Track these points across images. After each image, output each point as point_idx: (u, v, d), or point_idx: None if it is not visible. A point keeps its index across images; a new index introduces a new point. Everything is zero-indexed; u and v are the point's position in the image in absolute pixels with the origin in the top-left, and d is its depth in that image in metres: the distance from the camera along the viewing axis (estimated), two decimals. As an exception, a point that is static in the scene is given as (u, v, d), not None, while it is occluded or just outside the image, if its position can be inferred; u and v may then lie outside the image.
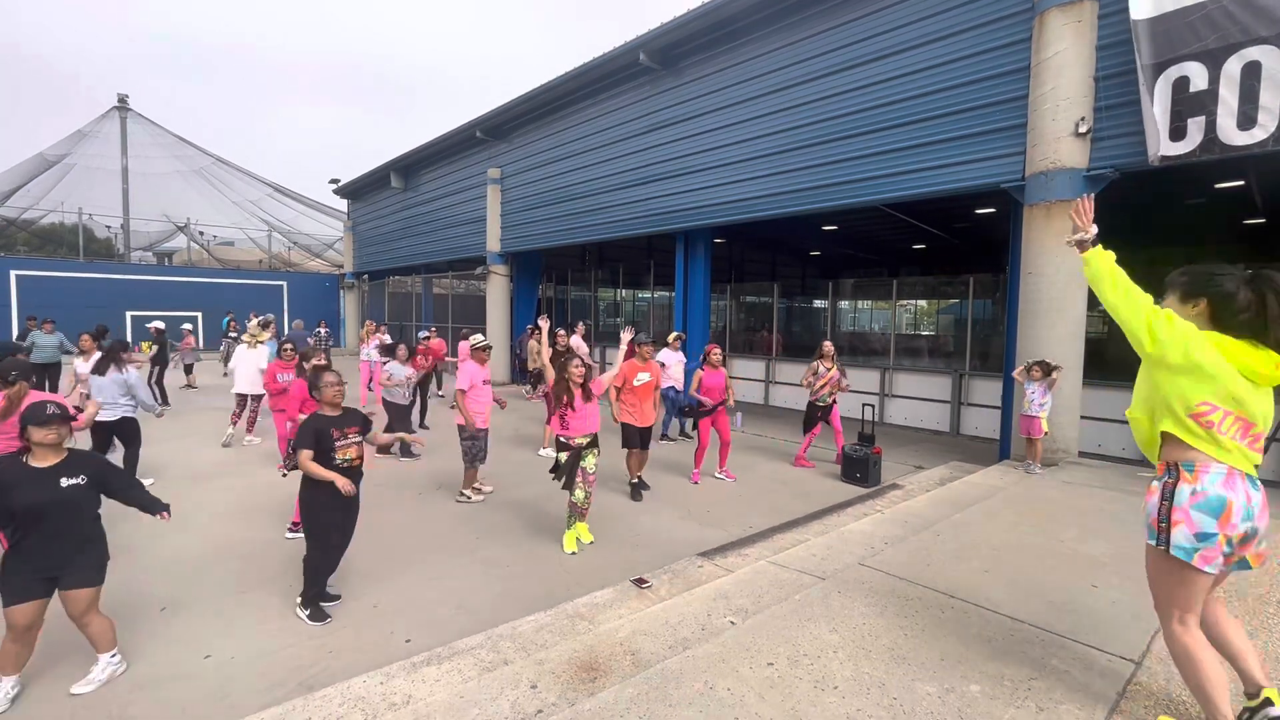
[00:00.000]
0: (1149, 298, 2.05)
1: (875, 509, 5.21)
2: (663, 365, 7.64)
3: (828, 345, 7.12)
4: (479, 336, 6.03)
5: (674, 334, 8.82)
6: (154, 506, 3.14)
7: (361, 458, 3.73)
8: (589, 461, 4.64)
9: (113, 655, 3.02)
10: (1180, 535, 1.92)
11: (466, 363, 5.81)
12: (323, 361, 6.34)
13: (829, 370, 7.03)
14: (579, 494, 4.56)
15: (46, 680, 2.97)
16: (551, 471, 4.69)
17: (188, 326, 11.12)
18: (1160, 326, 1.97)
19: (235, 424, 8.07)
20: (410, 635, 3.41)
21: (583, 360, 4.77)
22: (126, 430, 5.97)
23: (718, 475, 6.62)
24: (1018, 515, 4.61)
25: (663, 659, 2.62)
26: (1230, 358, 1.90)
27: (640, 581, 3.73)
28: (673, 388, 8.23)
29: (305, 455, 3.49)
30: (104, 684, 2.95)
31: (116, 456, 5.98)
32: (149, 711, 2.78)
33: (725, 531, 5.04)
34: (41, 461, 2.84)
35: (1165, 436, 2.02)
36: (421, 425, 9.13)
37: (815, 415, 7.20)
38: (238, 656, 3.20)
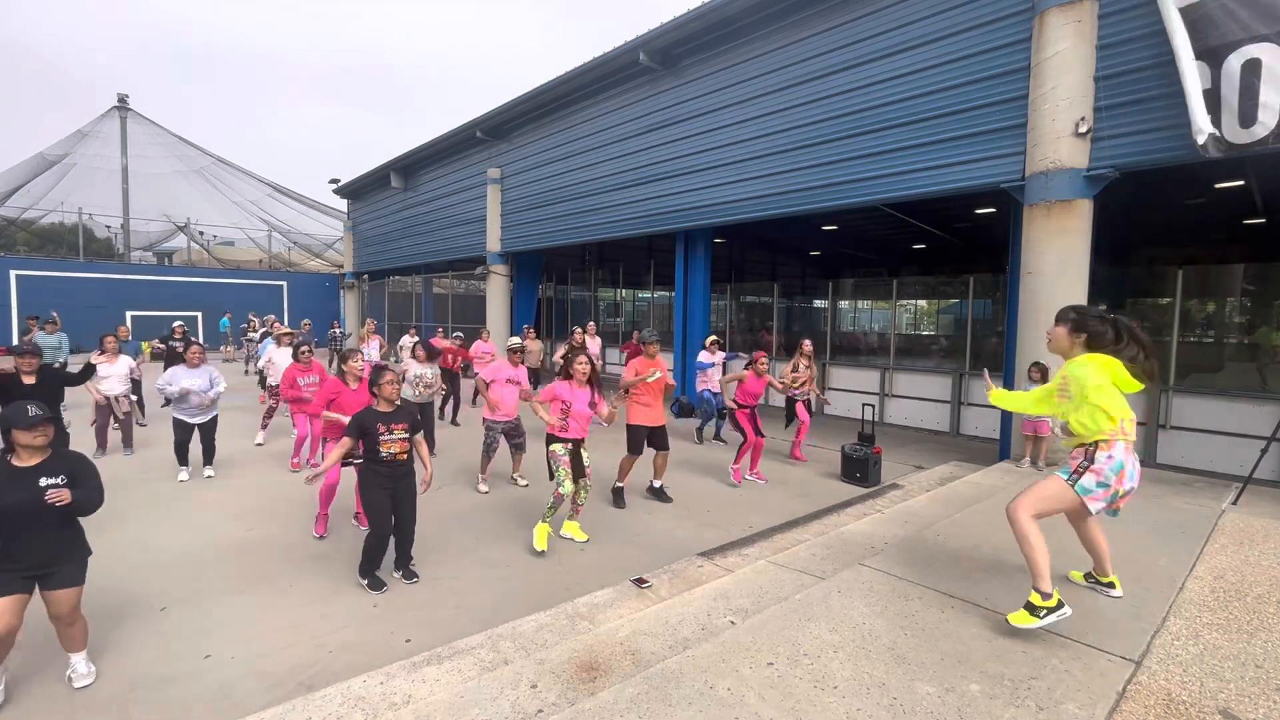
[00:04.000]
0: (1035, 391, 3.10)
1: (875, 509, 5.21)
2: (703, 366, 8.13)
3: (806, 344, 7.47)
4: (516, 340, 6.36)
5: (711, 337, 8.64)
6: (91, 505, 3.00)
7: (408, 453, 4.01)
8: (585, 458, 4.76)
9: (86, 654, 3.01)
10: (1087, 479, 2.72)
11: (498, 360, 6.22)
12: (308, 358, 6.63)
13: (807, 368, 7.38)
14: (569, 485, 4.56)
15: (46, 680, 2.97)
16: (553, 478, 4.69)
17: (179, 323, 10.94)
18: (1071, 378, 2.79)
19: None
20: (410, 635, 3.41)
21: (590, 359, 4.84)
22: (211, 429, 6.45)
23: (749, 477, 6.64)
24: (1018, 515, 4.60)
25: (663, 659, 2.62)
26: (1113, 373, 2.71)
27: (640, 581, 3.73)
28: (708, 390, 8.28)
29: (344, 442, 3.89)
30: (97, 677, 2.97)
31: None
32: (149, 711, 2.78)
33: (725, 531, 5.03)
34: (24, 461, 2.83)
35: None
36: (453, 422, 9.57)
37: (795, 409, 7.48)
38: (238, 656, 3.20)
